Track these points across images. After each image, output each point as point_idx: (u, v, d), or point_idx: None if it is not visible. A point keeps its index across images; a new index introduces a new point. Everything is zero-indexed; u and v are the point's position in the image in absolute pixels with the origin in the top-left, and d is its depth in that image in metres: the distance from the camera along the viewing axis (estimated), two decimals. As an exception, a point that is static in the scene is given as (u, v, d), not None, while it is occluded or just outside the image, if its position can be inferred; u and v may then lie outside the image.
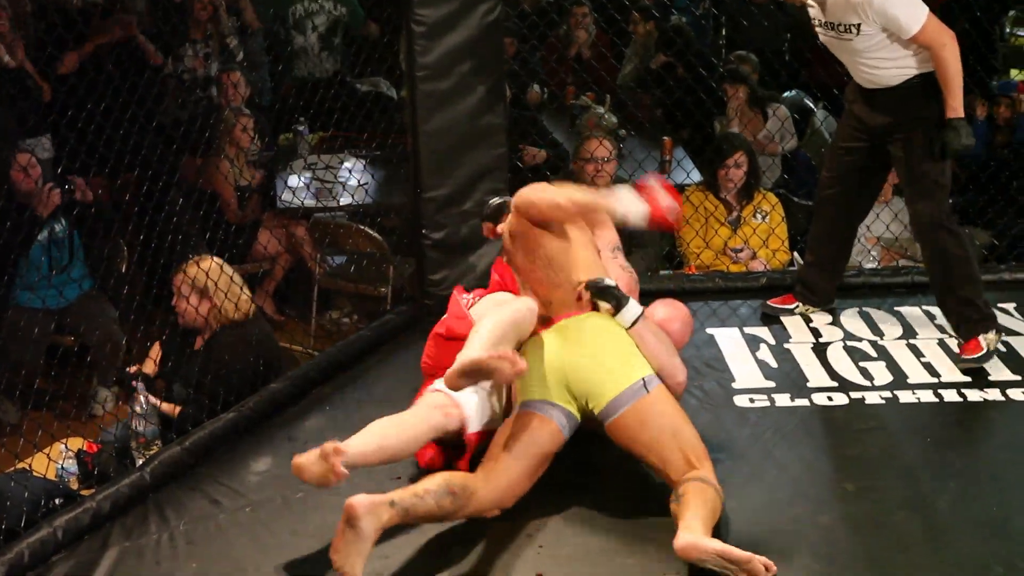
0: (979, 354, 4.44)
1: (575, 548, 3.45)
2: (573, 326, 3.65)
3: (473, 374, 3.40)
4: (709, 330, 4.92)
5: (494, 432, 3.65)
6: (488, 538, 3.47)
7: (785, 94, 7.92)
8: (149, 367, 4.79)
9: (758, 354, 4.70)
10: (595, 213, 3.75)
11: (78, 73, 6.49)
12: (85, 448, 4.40)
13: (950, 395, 4.34)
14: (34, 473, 3.99)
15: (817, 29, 4.51)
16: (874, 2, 4.21)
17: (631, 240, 5.74)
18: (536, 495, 3.55)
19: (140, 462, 4.11)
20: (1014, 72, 9.67)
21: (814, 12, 4.45)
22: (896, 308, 5.05)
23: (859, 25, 4.29)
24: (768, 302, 5.04)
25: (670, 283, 5.40)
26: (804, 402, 4.32)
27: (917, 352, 4.66)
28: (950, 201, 4.54)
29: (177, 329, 4.79)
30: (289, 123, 7.36)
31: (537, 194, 3.74)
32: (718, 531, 3.34)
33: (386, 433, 3.46)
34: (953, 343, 4.62)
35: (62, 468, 4.26)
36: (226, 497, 3.80)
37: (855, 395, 4.35)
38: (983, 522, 3.55)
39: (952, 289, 4.52)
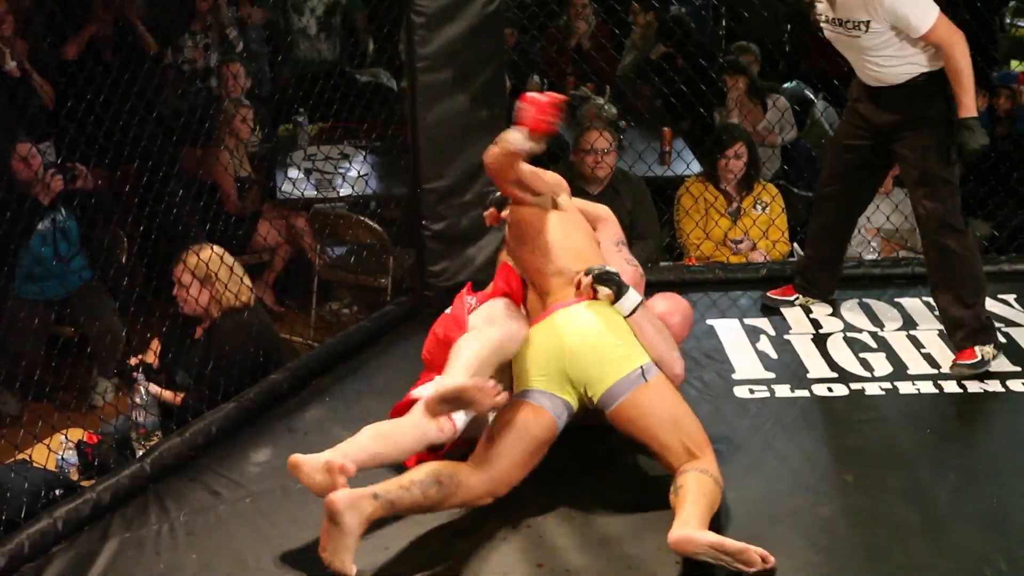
0: (973, 361, 4.34)
1: (575, 538, 3.45)
2: (571, 315, 3.64)
3: (452, 402, 3.40)
4: (709, 321, 4.91)
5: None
6: (488, 529, 3.47)
7: (785, 85, 7.92)
8: (150, 358, 4.80)
9: (758, 345, 4.70)
10: (507, 158, 3.72)
11: (78, 63, 6.48)
12: (85, 439, 4.40)
13: (950, 386, 4.34)
14: (34, 464, 4.00)
15: (823, 25, 4.45)
16: (885, 1, 4.16)
17: (631, 231, 5.75)
18: (536, 487, 3.55)
19: (140, 453, 4.11)
20: (1014, 63, 9.66)
21: (822, 7, 4.39)
22: (896, 299, 5.04)
23: (868, 22, 4.23)
24: (768, 293, 5.03)
25: (670, 274, 5.40)
26: (804, 393, 4.32)
27: (917, 343, 4.65)
28: (959, 200, 4.45)
29: (178, 319, 4.80)
30: (289, 114, 7.35)
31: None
32: (717, 521, 3.35)
33: (380, 444, 3.42)
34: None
35: (62, 459, 4.26)
36: (226, 488, 3.80)
37: (855, 386, 4.35)
38: (982, 513, 3.55)
39: (955, 294, 4.42)
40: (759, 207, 5.98)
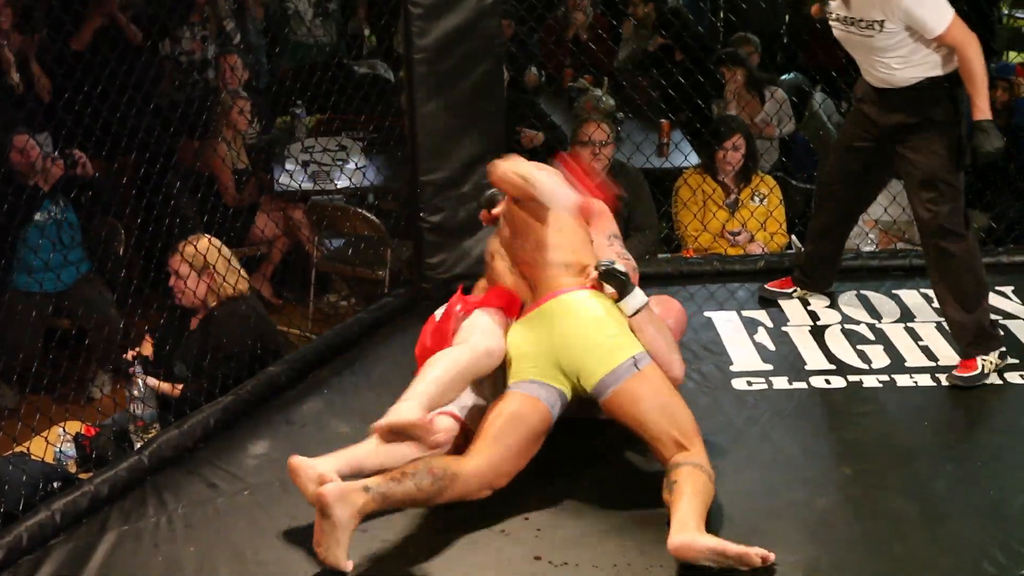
0: (973, 373, 4.29)
1: (573, 531, 3.45)
2: (561, 305, 3.64)
3: (400, 434, 3.42)
4: (707, 313, 4.92)
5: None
6: (486, 521, 3.47)
7: (783, 76, 7.91)
8: (147, 350, 4.80)
9: (756, 337, 4.70)
10: (526, 194, 3.75)
11: (75, 55, 6.47)
12: (83, 431, 4.40)
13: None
14: (32, 456, 3.99)
15: (833, 24, 4.37)
16: (901, 1, 4.10)
17: (629, 223, 5.75)
18: (534, 480, 3.56)
19: (138, 446, 4.11)
20: (1012, 55, 9.66)
21: (834, 5, 4.31)
22: (894, 291, 5.05)
23: (883, 22, 4.16)
24: (766, 286, 5.03)
25: (668, 266, 5.40)
26: (802, 385, 4.33)
27: (915, 336, 4.66)
28: (963, 204, 4.38)
29: (175, 312, 4.79)
30: (286, 106, 7.34)
31: (500, 166, 3.76)
32: (712, 515, 3.34)
33: (384, 456, 3.45)
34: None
35: (60, 451, 4.27)
36: (224, 481, 3.80)
37: (853, 378, 4.36)
38: (981, 506, 3.56)
39: (957, 300, 4.36)
40: (757, 199, 5.98)
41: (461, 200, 5.04)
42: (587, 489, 3.65)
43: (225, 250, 4.70)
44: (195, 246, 4.66)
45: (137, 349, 4.71)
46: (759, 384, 4.33)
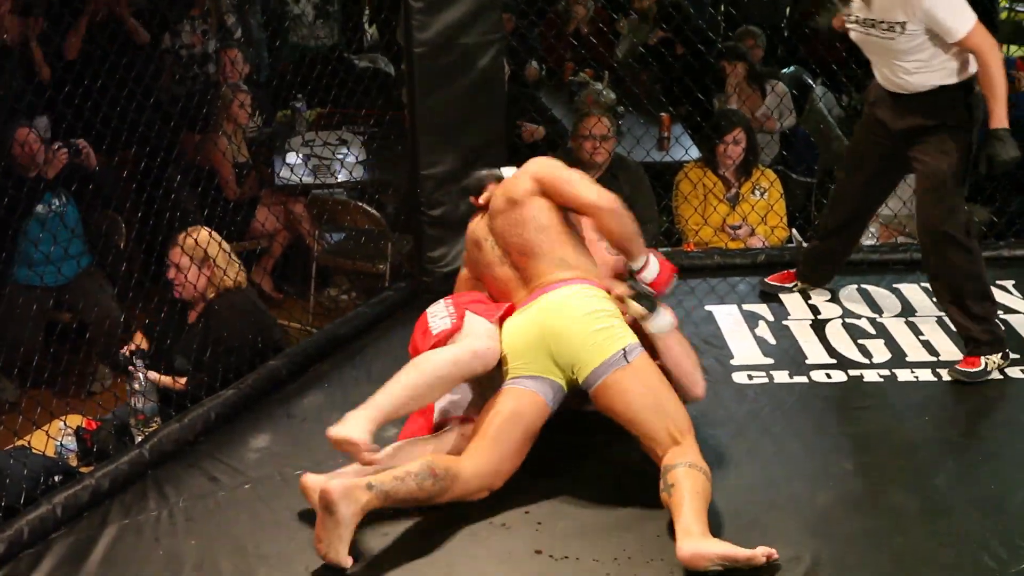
0: (976, 369, 4.27)
1: (573, 525, 3.45)
2: (554, 299, 3.63)
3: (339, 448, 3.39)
4: (707, 307, 4.92)
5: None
6: (487, 515, 3.47)
7: (784, 70, 7.90)
8: (146, 344, 4.79)
9: (756, 331, 4.70)
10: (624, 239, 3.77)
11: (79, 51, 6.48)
12: (84, 425, 4.40)
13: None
14: (33, 450, 4.00)
15: (851, 26, 4.32)
16: (924, 1, 4.05)
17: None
18: (534, 474, 3.56)
19: (139, 439, 4.11)
20: (1013, 48, 9.64)
21: (854, 7, 4.26)
22: (895, 285, 5.05)
23: (904, 24, 4.11)
24: (766, 279, 5.03)
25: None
26: (802, 379, 4.33)
27: (916, 330, 4.66)
28: (965, 210, 4.35)
29: (175, 305, 4.79)
30: (287, 100, 7.34)
31: (585, 185, 3.77)
32: (713, 510, 3.34)
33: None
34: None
35: (61, 445, 4.26)
36: (225, 474, 3.80)
37: (853, 372, 4.36)
38: (981, 500, 3.56)
39: (964, 307, 4.33)
40: (757, 193, 5.98)
41: (462, 194, 5.03)
42: (587, 483, 3.65)
43: (218, 237, 4.71)
44: (195, 239, 4.66)
45: (133, 344, 4.69)
46: (760, 378, 4.33)
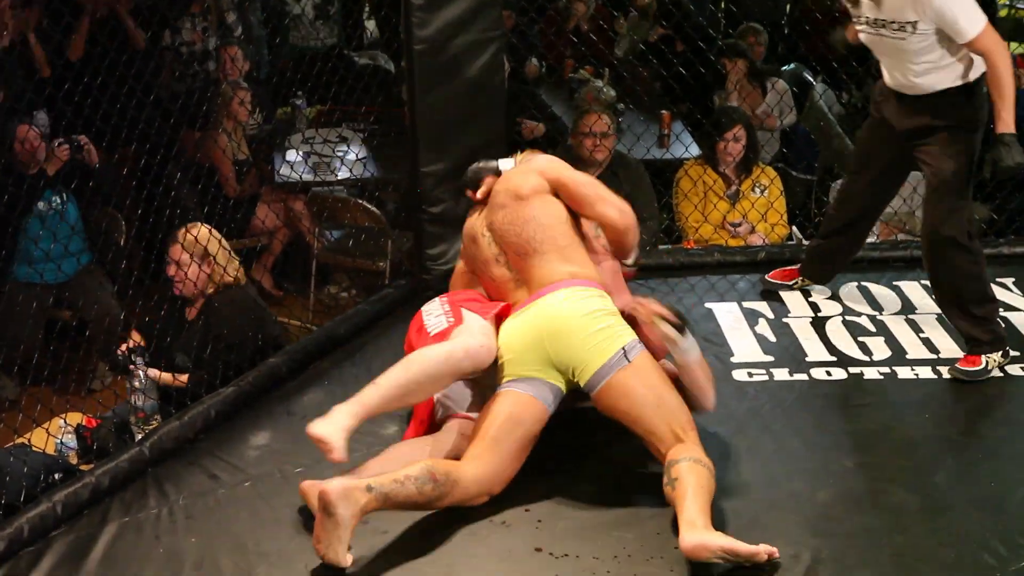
0: (976, 368, 4.27)
1: (573, 523, 3.45)
2: (551, 302, 3.62)
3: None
4: (708, 304, 4.92)
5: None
6: (487, 513, 3.47)
7: (783, 67, 7.90)
8: (143, 342, 4.79)
9: (757, 328, 4.70)
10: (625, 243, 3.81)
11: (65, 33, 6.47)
12: (84, 423, 4.41)
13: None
14: (33, 448, 4.01)
15: (861, 28, 4.29)
16: (935, 0, 4.02)
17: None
18: (534, 473, 3.56)
19: (139, 437, 4.11)
20: (1013, 45, 9.63)
21: (864, 7, 4.21)
22: (895, 282, 5.04)
23: (915, 23, 4.07)
24: (767, 277, 5.03)
25: (668, 257, 5.39)
26: (803, 377, 4.33)
27: (916, 327, 4.65)
28: (969, 212, 4.32)
29: (175, 303, 4.79)
30: (287, 97, 7.34)
31: (606, 200, 3.79)
32: (713, 508, 3.32)
33: (396, 467, 3.45)
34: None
35: (61, 443, 4.27)
36: (225, 472, 3.80)
37: (854, 370, 4.36)
38: (981, 498, 3.56)
39: (965, 308, 4.32)
40: (757, 190, 5.98)
41: (462, 191, 5.03)
42: (588, 481, 3.65)
43: (216, 233, 4.71)
44: (195, 236, 4.66)
45: (130, 342, 4.68)
46: (760, 375, 4.33)
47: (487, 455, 3.46)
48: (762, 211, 5.94)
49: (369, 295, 5.22)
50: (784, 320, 4.76)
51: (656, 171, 6.32)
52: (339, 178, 6.65)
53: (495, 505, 3.48)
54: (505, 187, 3.87)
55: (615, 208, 3.78)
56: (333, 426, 3.36)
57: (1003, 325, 4.42)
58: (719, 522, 3.32)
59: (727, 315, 4.82)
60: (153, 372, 4.46)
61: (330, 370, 4.49)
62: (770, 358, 4.45)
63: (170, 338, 4.73)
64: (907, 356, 4.44)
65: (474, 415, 3.69)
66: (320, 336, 4.70)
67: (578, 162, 5.68)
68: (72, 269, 5.91)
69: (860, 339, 4.57)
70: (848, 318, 4.74)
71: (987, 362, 4.27)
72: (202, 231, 4.69)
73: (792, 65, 7.97)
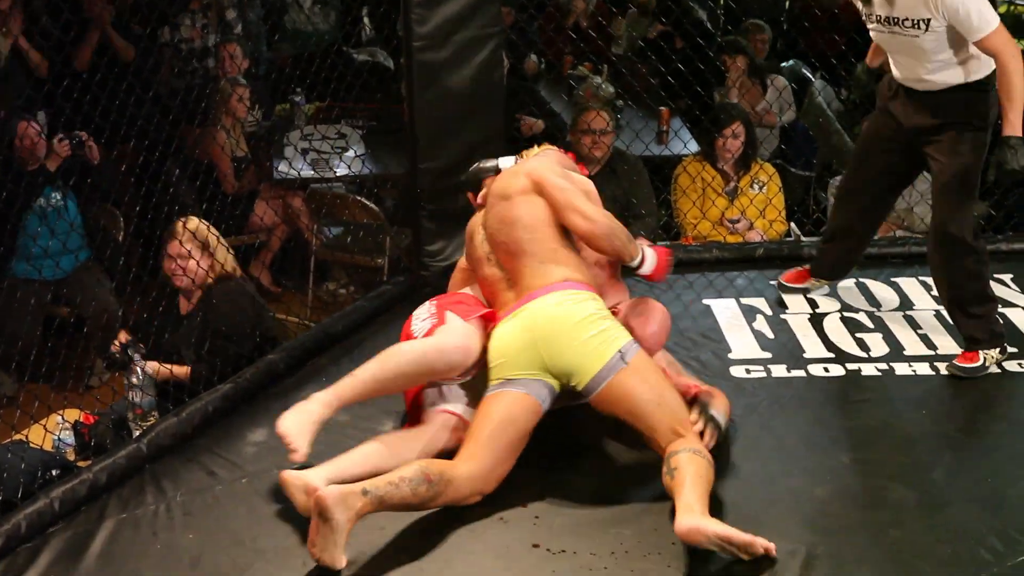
0: (974, 365, 4.26)
1: (570, 519, 3.45)
2: (542, 307, 3.61)
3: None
4: (705, 301, 4.91)
5: None
6: (485, 510, 3.47)
7: (783, 64, 7.89)
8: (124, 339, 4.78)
9: (754, 325, 4.69)
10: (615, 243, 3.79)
11: (73, 43, 6.46)
12: (82, 419, 4.40)
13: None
14: (31, 444, 4.00)
15: (871, 25, 4.26)
16: None
17: (628, 211, 5.74)
18: (531, 469, 3.56)
19: (137, 433, 4.11)
20: (1013, 42, 9.61)
21: (876, 5, 4.17)
22: (893, 279, 5.04)
23: (929, 20, 4.04)
24: (782, 280, 4.96)
25: (667, 254, 5.39)
26: (800, 373, 4.33)
27: (914, 324, 4.65)
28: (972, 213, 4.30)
29: (173, 297, 4.78)
30: (286, 93, 7.34)
31: (577, 210, 3.75)
32: (711, 504, 3.34)
33: (377, 459, 3.53)
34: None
35: (59, 439, 4.26)
36: (223, 468, 3.80)
37: (851, 367, 4.35)
38: (978, 494, 3.56)
39: (964, 307, 4.32)
40: (756, 187, 5.97)
41: (460, 188, 5.03)
42: (585, 478, 3.66)
43: (213, 229, 4.72)
44: (194, 228, 4.66)
45: (123, 339, 4.67)
46: (758, 372, 4.33)
47: (481, 455, 3.46)
48: (760, 207, 5.93)
49: (367, 291, 5.22)
50: (782, 316, 4.75)
51: (655, 167, 6.32)
52: (337, 174, 6.65)
53: (492, 501, 3.48)
54: (496, 187, 3.88)
55: (581, 217, 3.74)
56: (306, 417, 3.50)
57: (1001, 322, 4.41)
58: (717, 517, 3.31)
59: (725, 311, 4.81)
60: (152, 366, 4.45)
61: (328, 367, 4.48)
62: (768, 355, 4.45)
63: (171, 332, 4.72)
64: (905, 353, 4.44)
65: (458, 410, 3.70)
66: (318, 333, 4.70)
67: (577, 159, 5.69)
68: (70, 266, 5.91)
69: (858, 336, 4.57)
70: (846, 314, 4.74)
71: (985, 359, 4.27)
72: (199, 225, 4.69)
73: (791, 62, 7.97)
